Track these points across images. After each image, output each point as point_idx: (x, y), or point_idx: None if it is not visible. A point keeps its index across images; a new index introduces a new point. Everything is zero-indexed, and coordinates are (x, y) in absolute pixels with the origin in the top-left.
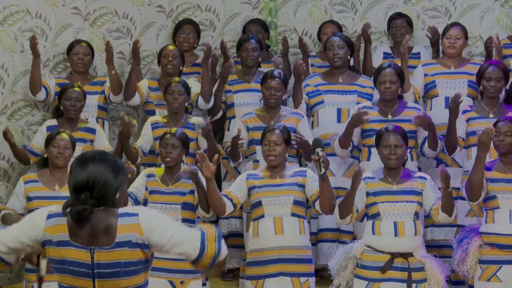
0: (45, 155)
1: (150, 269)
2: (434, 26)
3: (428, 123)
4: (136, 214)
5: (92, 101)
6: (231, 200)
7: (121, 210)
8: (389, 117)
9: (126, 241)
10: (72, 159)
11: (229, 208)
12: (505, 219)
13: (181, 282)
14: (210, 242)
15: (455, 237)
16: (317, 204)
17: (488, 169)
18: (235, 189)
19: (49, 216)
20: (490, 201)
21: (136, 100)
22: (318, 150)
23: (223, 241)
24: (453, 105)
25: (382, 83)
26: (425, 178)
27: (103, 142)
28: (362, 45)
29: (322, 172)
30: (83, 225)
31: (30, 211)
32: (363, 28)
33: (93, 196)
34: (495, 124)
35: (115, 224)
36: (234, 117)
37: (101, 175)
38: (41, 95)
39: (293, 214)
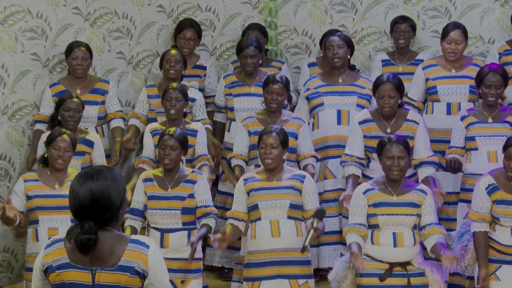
0: (45, 155)
1: None
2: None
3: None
4: (148, 246)
5: (92, 111)
6: (240, 220)
7: (133, 236)
8: (388, 130)
9: (129, 266)
10: (71, 159)
11: (243, 228)
12: (506, 234)
13: (182, 282)
14: None
15: (454, 229)
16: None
17: (496, 188)
18: (238, 206)
19: (46, 247)
20: (494, 220)
21: None
22: (315, 221)
23: None
24: (452, 172)
25: (380, 98)
26: (426, 193)
27: (100, 156)
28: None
29: (306, 245)
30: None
31: (29, 209)
32: None
33: (97, 222)
34: (505, 147)
35: (124, 247)
36: (234, 119)
37: (104, 196)
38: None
39: (289, 217)
